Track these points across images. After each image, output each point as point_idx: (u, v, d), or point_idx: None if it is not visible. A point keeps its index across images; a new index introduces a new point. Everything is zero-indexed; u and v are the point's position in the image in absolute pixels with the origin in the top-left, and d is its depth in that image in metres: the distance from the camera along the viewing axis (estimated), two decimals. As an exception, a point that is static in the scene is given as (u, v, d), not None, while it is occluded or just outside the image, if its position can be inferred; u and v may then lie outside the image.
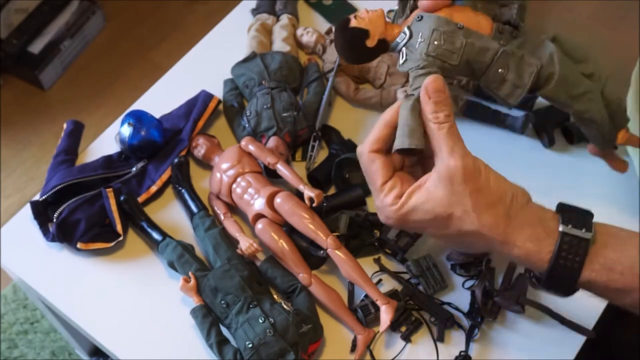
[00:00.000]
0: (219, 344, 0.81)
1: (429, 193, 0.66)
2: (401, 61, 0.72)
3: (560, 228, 0.65)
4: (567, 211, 0.67)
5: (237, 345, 0.81)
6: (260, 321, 0.80)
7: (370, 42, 0.73)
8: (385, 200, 0.68)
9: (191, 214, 0.92)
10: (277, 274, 0.86)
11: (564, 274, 0.65)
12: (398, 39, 0.73)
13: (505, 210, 0.65)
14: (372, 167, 0.70)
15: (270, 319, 0.80)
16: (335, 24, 0.74)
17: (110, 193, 0.90)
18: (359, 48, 0.74)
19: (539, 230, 0.66)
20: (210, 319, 0.82)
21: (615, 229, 0.67)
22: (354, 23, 0.73)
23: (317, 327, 0.82)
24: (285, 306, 0.82)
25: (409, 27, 0.72)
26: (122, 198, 0.91)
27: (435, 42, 0.70)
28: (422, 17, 0.72)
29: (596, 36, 2.08)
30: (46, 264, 0.91)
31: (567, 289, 0.67)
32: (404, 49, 0.72)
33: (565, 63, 0.74)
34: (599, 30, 2.10)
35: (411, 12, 0.75)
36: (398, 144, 0.68)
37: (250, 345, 0.79)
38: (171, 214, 0.94)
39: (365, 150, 0.71)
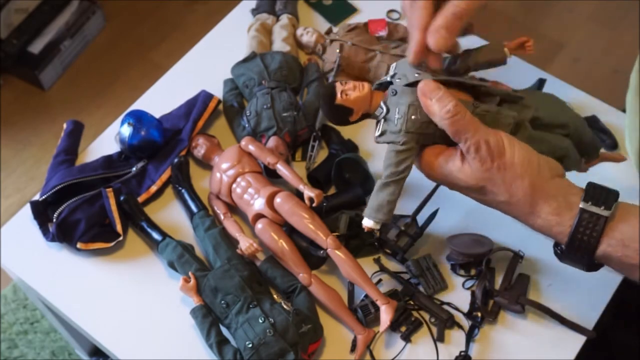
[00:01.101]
0: (219, 344, 0.81)
1: (461, 166, 0.71)
2: (377, 133, 0.74)
3: (581, 205, 0.68)
4: (591, 189, 0.70)
5: (237, 345, 0.81)
6: (260, 321, 0.80)
7: (353, 118, 0.76)
8: (427, 159, 0.73)
9: (191, 214, 0.92)
10: (277, 274, 0.86)
11: (582, 248, 0.68)
12: (377, 112, 0.75)
13: (531, 181, 0.69)
14: None
15: (270, 319, 0.80)
16: (323, 91, 0.76)
17: (110, 193, 0.90)
18: (342, 120, 0.77)
19: (562, 203, 0.69)
20: (210, 319, 0.82)
21: (636, 209, 0.69)
22: (339, 100, 0.74)
23: (317, 327, 0.82)
24: (285, 306, 0.82)
25: (385, 103, 0.74)
26: (122, 198, 0.91)
27: (413, 117, 0.72)
28: (396, 91, 0.73)
29: (596, 36, 2.08)
30: (46, 264, 0.91)
31: (586, 262, 0.70)
32: (382, 120, 0.74)
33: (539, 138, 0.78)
34: (599, 30, 2.10)
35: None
36: (367, 215, 0.75)
37: (250, 345, 0.79)
38: (171, 214, 0.94)
39: None
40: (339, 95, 0.74)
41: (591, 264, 0.71)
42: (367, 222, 0.76)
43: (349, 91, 0.74)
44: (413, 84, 0.72)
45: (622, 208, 0.69)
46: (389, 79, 0.75)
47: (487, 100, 0.75)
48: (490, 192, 0.70)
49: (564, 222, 0.69)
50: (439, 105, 0.69)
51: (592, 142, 0.83)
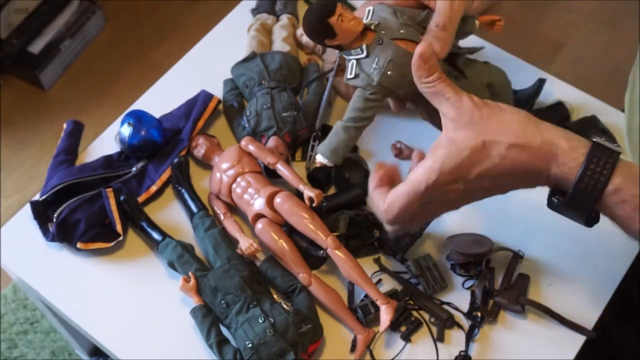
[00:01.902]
0: (219, 344, 0.81)
1: (453, 137, 0.67)
2: (350, 74, 0.75)
3: (594, 138, 0.65)
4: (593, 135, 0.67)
5: (237, 345, 0.81)
6: (260, 321, 0.80)
7: (329, 42, 0.76)
8: (413, 176, 0.70)
9: (191, 214, 0.92)
10: (277, 274, 0.86)
11: (594, 180, 0.64)
12: (353, 51, 0.75)
13: (527, 118, 0.67)
14: (380, 195, 0.73)
15: (270, 319, 0.80)
16: (324, 1, 0.75)
17: (110, 193, 0.90)
18: (318, 37, 0.76)
19: (571, 134, 0.66)
20: (210, 319, 0.82)
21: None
22: (332, 21, 0.74)
23: (317, 327, 0.82)
24: (285, 306, 0.82)
25: (367, 46, 0.73)
26: (122, 198, 0.91)
27: (389, 73, 0.72)
28: (382, 41, 0.73)
29: (596, 36, 2.08)
30: (46, 264, 0.91)
31: (593, 201, 0.65)
32: (354, 61, 0.74)
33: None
34: (599, 30, 2.10)
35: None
36: (322, 153, 0.77)
37: (250, 345, 0.79)
38: (171, 214, 0.94)
39: (371, 190, 0.75)
40: (335, 16, 0.74)
41: (591, 211, 0.66)
42: (321, 159, 0.77)
43: (346, 19, 0.74)
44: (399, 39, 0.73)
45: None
46: (373, 27, 0.75)
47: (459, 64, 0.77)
48: (494, 144, 0.66)
49: (577, 149, 0.65)
50: (426, 73, 0.69)
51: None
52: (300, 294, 0.85)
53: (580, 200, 0.66)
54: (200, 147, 0.96)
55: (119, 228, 0.90)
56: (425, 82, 0.69)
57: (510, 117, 0.67)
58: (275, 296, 0.85)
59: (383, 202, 0.72)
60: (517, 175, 0.68)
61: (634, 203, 0.64)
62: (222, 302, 0.82)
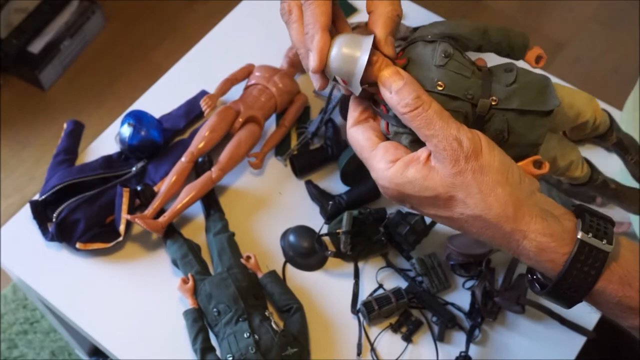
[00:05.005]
0: (203, 351, 0.81)
1: (430, 170, 0.58)
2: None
3: (579, 235, 0.57)
4: (586, 215, 0.58)
5: (220, 355, 0.81)
6: (246, 336, 0.79)
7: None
8: (379, 165, 0.60)
9: (206, 215, 0.92)
10: (275, 289, 0.86)
11: (577, 283, 0.57)
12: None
13: (513, 191, 0.57)
14: (359, 136, 0.62)
15: (256, 336, 0.79)
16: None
17: (126, 192, 0.90)
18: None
19: (554, 225, 0.57)
20: (200, 324, 0.82)
21: (633, 245, 0.60)
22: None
23: (303, 351, 0.81)
24: (274, 325, 0.81)
25: None
26: (139, 188, 0.90)
27: None
28: None
29: (596, 36, 2.09)
30: (46, 264, 0.91)
31: (574, 299, 0.59)
32: None
33: None
34: (599, 30, 2.10)
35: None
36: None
37: (231, 359, 0.79)
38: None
39: (349, 126, 0.64)
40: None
41: (577, 301, 0.60)
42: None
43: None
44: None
45: (619, 241, 0.58)
46: None
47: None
48: (461, 203, 0.57)
49: (559, 248, 0.57)
50: (397, 98, 0.58)
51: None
52: (295, 315, 0.84)
53: (560, 296, 0.59)
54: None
55: (122, 228, 0.89)
56: (400, 113, 0.58)
57: (494, 189, 0.57)
58: (269, 312, 0.84)
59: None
60: (474, 236, 0.60)
61: (621, 304, 0.58)
62: (215, 309, 0.82)
